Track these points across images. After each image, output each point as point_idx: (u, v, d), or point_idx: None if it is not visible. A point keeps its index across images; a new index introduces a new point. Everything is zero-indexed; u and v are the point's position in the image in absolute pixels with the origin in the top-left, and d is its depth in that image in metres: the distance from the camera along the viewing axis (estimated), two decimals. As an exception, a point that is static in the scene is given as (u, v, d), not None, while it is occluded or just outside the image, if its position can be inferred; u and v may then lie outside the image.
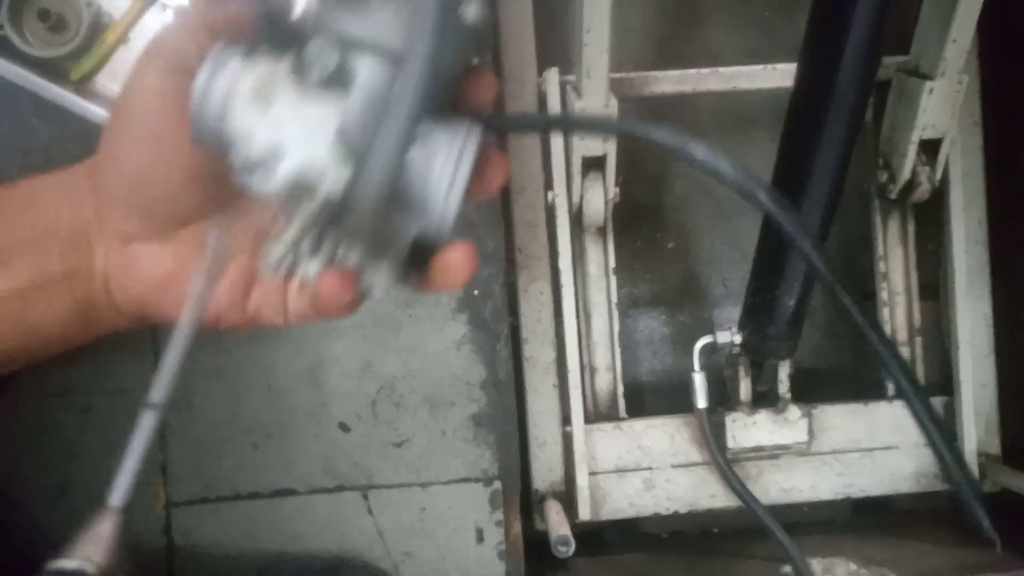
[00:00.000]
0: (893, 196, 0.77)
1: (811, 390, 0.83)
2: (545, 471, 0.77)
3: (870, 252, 0.82)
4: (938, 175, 0.74)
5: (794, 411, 0.77)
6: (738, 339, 0.74)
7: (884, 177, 0.76)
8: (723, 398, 0.79)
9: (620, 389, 0.78)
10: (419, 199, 0.28)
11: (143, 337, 0.63)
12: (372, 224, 0.27)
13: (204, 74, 0.28)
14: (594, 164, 0.73)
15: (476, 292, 0.67)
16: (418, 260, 0.30)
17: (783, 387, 0.77)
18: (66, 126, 0.60)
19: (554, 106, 0.74)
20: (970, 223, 0.79)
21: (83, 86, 0.57)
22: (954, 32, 0.66)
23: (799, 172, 0.65)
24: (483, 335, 0.67)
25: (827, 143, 0.63)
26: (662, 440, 0.77)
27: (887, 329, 0.81)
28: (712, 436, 0.75)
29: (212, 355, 0.65)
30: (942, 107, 0.70)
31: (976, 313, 0.80)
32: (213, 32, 0.29)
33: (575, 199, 0.74)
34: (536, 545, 0.71)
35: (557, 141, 0.74)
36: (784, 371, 0.76)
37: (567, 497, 0.76)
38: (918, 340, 0.81)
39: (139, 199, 0.31)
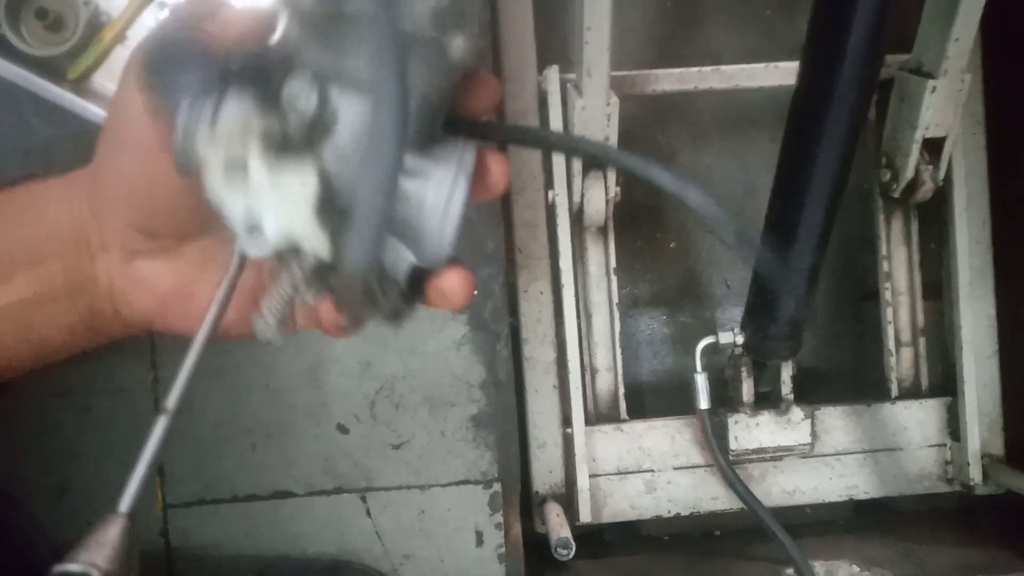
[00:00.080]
0: (896, 195, 0.76)
1: (812, 391, 0.82)
2: (545, 472, 0.77)
3: (871, 252, 0.82)
4: (941, 174, 0.74)
5: (797, 412, 0.77)
6: (740, 339, 0.74)
7: (887, 176, 0.76)
8: (725, 399, 0.78)
9: (621, 390, 0.78)
10: (414, 230, 0.28)
11: (142, 338, 0.63)
12: (364, 279, 0.26)
13: (178, 138, 0.27)
14: (595, 164, 0.72)
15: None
16: (414, 284, 0.30)
17: (786, 388, 0.76)
18: (66, 126, 0.60)
19: (555, 105, 0.73)
20: (973, 222, 0.79)
21: (80, 85, 0.57)
22: (956, 30, 0.65)
23: (801, 172, 0.65)
24: (483, 335, 0.67)
25: (829, 142, 0.62)
26: (663, 441, 0.77)
27: (891, 330, 0.80)
28: (714, 437, 0.74)
29: (212, 355, 0.65)
30: (945, 106, 0.69)
31: (979, 313, 0.79)
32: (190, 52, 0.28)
33: (576, 198, 0.73)
34: (536, 547, 0.71)
35: (557, 140, 0.74)
36: (787, 372, 0.76)
37: (567, 499, 0.76)
38: (921, 341, 0.81)
39: (139, 217, 0.31)
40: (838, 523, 0.83)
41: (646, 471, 0.77)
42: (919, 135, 0.71)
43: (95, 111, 0.55)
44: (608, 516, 0.76)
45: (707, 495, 0.77)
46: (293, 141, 0.27)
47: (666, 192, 0.28)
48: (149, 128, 0.28)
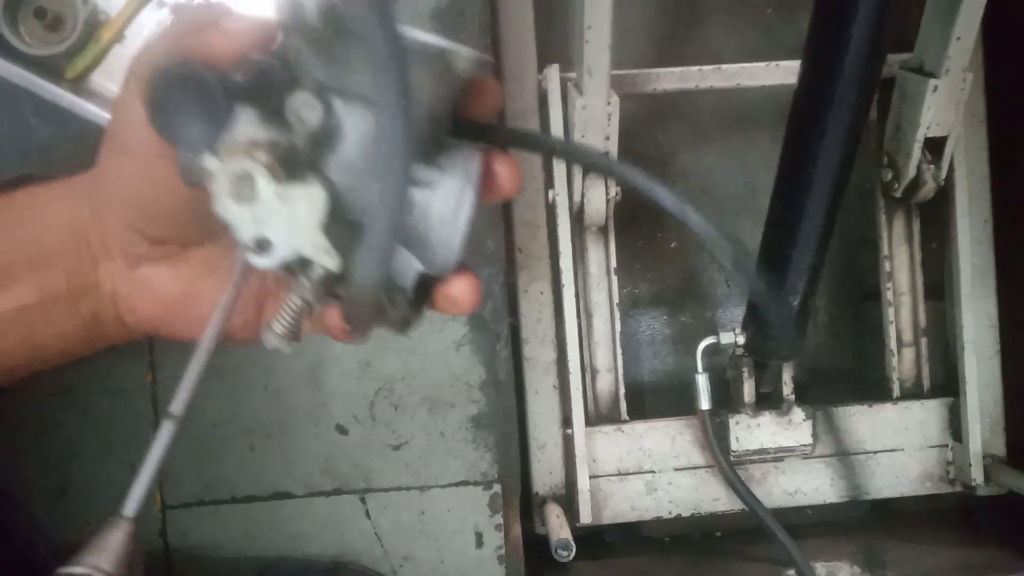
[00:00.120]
0: (898, 195, 0.76)
1: (814, 391, 0.82)
2: (545, 473, 0.77)
3: (871, 251, 0.82)
4: (943, 173, 0.73)
5: (798, 413, 0.76)
6: (741, 340, 0.74)
7: (889, 176, 0.76)
8: (726, 400, 0.78)
9: (621, 390, 0.78)
10: (421, 239, 0.28)
11: (141, 339, 0.63)
12: (375, 293, 0.26)
13: (183, 154, 0.27)
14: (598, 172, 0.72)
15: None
16: (421, 291, 0.30)
17: (787, 389, 0.76)
18: (65, 126, 0.60)
19: (555, 104, 0.73)
20: (975, 222, 0.78)
21: (79, 84, 0.57)
22: (958, 29, 0.65)
23: (802, 171, 0.64)
24: (483, 335, 0.67)
25: (830, 142, 0.62)
26: (664, 442, 0.77)
27: (892, 330, 0.80)
28: (715, 438, 0.74)
29: (211, 356, 0.65)
30: (946, 105, 0.69)
31: (980, 313, 0.79)
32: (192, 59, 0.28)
33: (576, 198, 0.73)
34: (536, 548, 0.71)
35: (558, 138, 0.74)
36: (788, 372, 0.76)
37: (567, 500, 0.75)
38: (923, 341, 0.81)
39: (142, 222, 0.31)
40: (839, 524, 0.82)
41: (647, 472, 0.76)
42: (920, 134, 0.71)
43: (93, 110, 0.54)
44: (608, 517, 0.76)
45: (708, 496, 0.77)
46: (299, 154, 0.27)
47: (668, 212, 0.28)
48: (152, 134, 0.28)
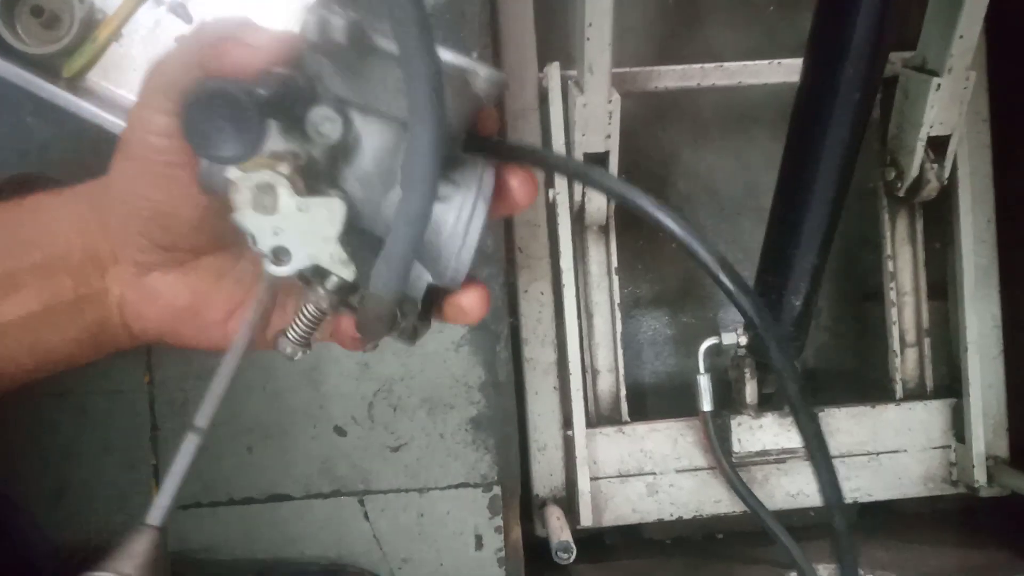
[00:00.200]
0: (901, 194, 0.76)
1: (816, 392, 0.82)
2: (546, 475, 0.76)
3: (872, 251, 0.81)
4: (946, 172, 0.73)
5: (800, 413, 0.76)
6: (743, 340, 0.73)
7: (891, 175, 0.75)
8: (728, 401, 0.78)
9: (622, 391, 0.77)
10: (433, 252, 0.29)
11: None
12: (391, 305, 0.27)
13: (205, 164, 0.28)
14: (596, 161, 0.72)
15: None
16: (429, 301, 0.31)
17: (788, 389, 0.75)
18: (62, 125, 0.59)
19: (555, 102, 0.73)
20: (978, 222, 0.78)
21: (76, 83, 0.56)
22: (961, 27, 0.65)
23: (804, 170, 0.64)
24: (482, 336, 0.66)
25: (832, 141, 0.62)
26: (665, 444, 0.76)
27: (895, 330, 0.80)
28: (717, 440, 0.74)
29: (208, 356, 0.65)
30: (949, 104, 0.69)
31: (984, 314, 0.79)
32: (213, 75, 0.28)
33: (577, 197, 0.73)
34: (536, 551, 0.70)
35: (559, 138, 0.73)
36: (789, 373, 0.75)
37: (568, 502, 0.75)
38: (926, 341, 0.80)
39: (156, 233, 0.31)
40: (841, 526, 0.82)
41: (648, 474, 0.76)
42: (923, 133, 0.70)
43: (91, 109, 0.54)
44: (609, 519, 0.75)
45: (710, 498, 0.76)
46: (318, 167, 0.27)
47: (675, 237, 0.29)
48: (170, 146, 0.29)
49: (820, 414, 0.77)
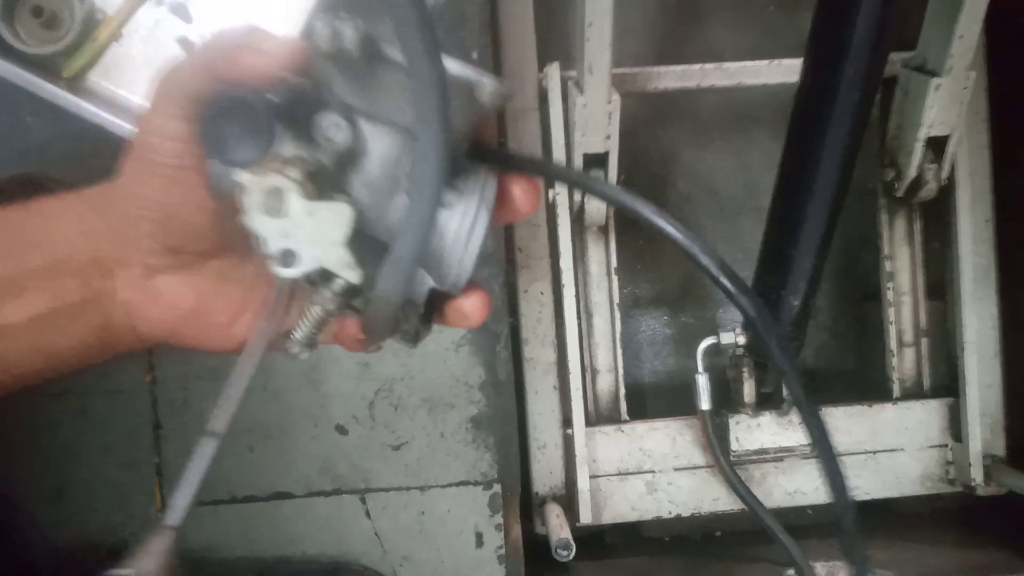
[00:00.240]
0: (900, 194, 0.76)
1: (814, 391, 0.82)
2: (545, 474, 0.77)
3: (872, 251, 0.82)
4: (945, 173, 0.73)
5: (799, 413, 0.76)
6: (742, 340, 0.74)
7: (890, 175, 0.75)
8: (726, 400, 0.78)
9: (622, 391, 0.77)
10: (436, 257, 0.29)
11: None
12: (395, 308, 0.28)
13: (213, 170, 0.29)
14: (596, 161, 0.72)
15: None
16: (430, 305, 0.31)
17: (787, 389, 0.76)
18: (62, 125, 0.59)
19: (555, 102, 0.73)
20: (977, 222, 0.78)
21: (76, 83, 0.56)
22: (960, 27, 0.65)
23: (804, 170, 0.64)
24: (482, 336, 0.67)
25: (832, 141, 0.62)
26: (664, 442, 0.76)
27: (893, 330, 0.80)
28: (715, 438, 0.74)
29: (208, 355, 0.65)
30: (949, 104, 0.69)
31: (982, 314, 0.79)
32: (226, 83, 0.29)
33: (576, 198, 0.73)
34: (536, 549, 0.71)
35: (558, 137, 0.73)
36: (788, 372, 0.76)
37: (568, 500, 0.75)
38: (924, 341, 0.80)
39: (165, 236, 0.31)
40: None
41: (647, 472, 0.76)
42: (923, 134, 0.70)
43: (91, 109, 0.54)
44: (609, 517, 0.76)
45: (708, 496, 0.76)
46: (326, 172, 0.28)
47: (676, 244, 0.30)
48: (182, 150, 0.30)
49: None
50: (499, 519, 0.67)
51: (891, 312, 0.80)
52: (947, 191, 0.76)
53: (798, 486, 0.78)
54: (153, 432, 0.65)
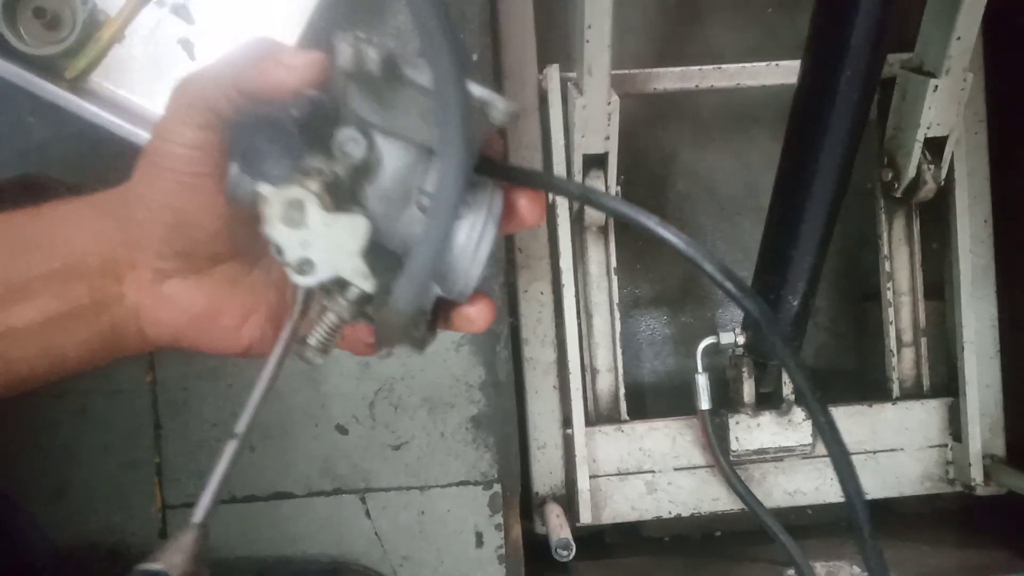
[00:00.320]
0: (898, 195, 0.76)
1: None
2: (545, 474, 0.77)
3: (871, 251, 0.82)
4: (943, 173, 0.73)
5: (798, 413, 0.76)
6: (741, 340, 0.74)
7: (889, 176, 0.76)
8: (726, 400, 0.78)
9: (621, 390, 0.78)
10: (443, 267, 0.30)
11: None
12: (409, 317, 0.29)
13: (232, 178, 0.30)
14: (595, 162, 0.72)
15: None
16: (436, 311, 0.33)
17: (787, 388, 0.76)
18: (64, 126, 0.60)
19: (555, 103, 0.73)
20: (975, 222, 0.78)
21: (78, 84, 0.57)
22: (958, 28, 0.65)
23: (803, 171, 0.64)
24: (483, 336, 0.67)
25: (831, 141, 0.62)
26: (664, 442, 0.77)
27: (892, 330, 0.80)
28: (715, 438, 0.74)
29: (209, 356, 0.65)
30: (947, 105, 0.69)
31: (981, 314, 0.79)
32: (246, 95, 0.30)
33: (576, 198, 0.73)
34: (536, 548, 0.71)
35: (558, 138, 0.73)
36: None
37: (568, 500, 0.75)
38: (923, 341, 0.81)
39: (177, 241, 0.32)
40: (839, 524, 0.82)
41: (647, 472, 0.76)
42: (921, 134, 0.71)
43: (93, 110, 0.54)
44: (608, 517, 0.76)
45: (708, 496, 0.76)
46: (343, 184, 0.29)
47: (680, 253, 0.31)
48: (198, 158, 0.30)
49: (818, 413, 0.78)
50: (499, 519, 0.67)
51: (890, 312, 0.80)
52: (946, 191, 0.76)
53: (798, 486, 0.78)
54: (153, 432, 0.65)
